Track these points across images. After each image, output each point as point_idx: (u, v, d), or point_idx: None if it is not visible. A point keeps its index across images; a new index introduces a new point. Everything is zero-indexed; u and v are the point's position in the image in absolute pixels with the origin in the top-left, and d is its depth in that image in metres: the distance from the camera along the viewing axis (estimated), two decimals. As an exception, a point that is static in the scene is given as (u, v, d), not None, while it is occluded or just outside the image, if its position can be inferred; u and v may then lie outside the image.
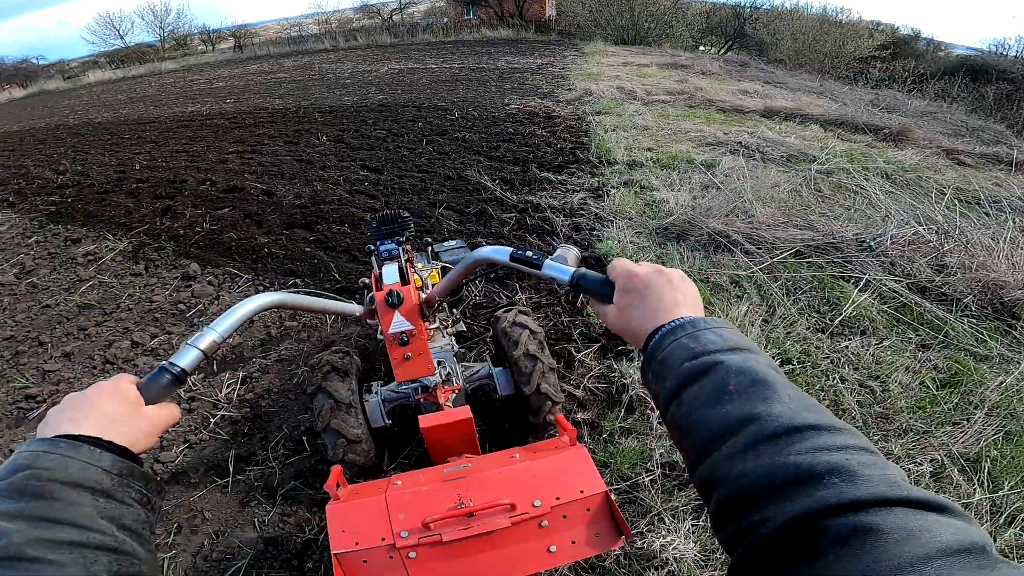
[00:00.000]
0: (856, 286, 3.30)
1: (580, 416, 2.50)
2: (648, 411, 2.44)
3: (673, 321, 0.63)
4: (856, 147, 6.45)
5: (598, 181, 5.09)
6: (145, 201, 5.95)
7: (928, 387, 2.56)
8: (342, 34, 25.36)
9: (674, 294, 0.66)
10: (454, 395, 2.07)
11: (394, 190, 5.24)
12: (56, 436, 0.59)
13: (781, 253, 3.69)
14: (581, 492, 1.25)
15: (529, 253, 0.92)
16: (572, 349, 2.92)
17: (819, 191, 4.85)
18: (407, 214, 2.32)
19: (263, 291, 3.65)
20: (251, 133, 8.44)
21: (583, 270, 0.83)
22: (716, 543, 1.83)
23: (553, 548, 1.22)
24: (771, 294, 3.27)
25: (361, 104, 9.42)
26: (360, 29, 26.46)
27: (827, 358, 2.73)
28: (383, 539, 1.18)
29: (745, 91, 9.69)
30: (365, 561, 1.19)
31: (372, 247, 2.47)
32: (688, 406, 0.55)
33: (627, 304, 0.69)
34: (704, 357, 0.56)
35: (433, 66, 13.47)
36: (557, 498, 1.23)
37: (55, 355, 3.58)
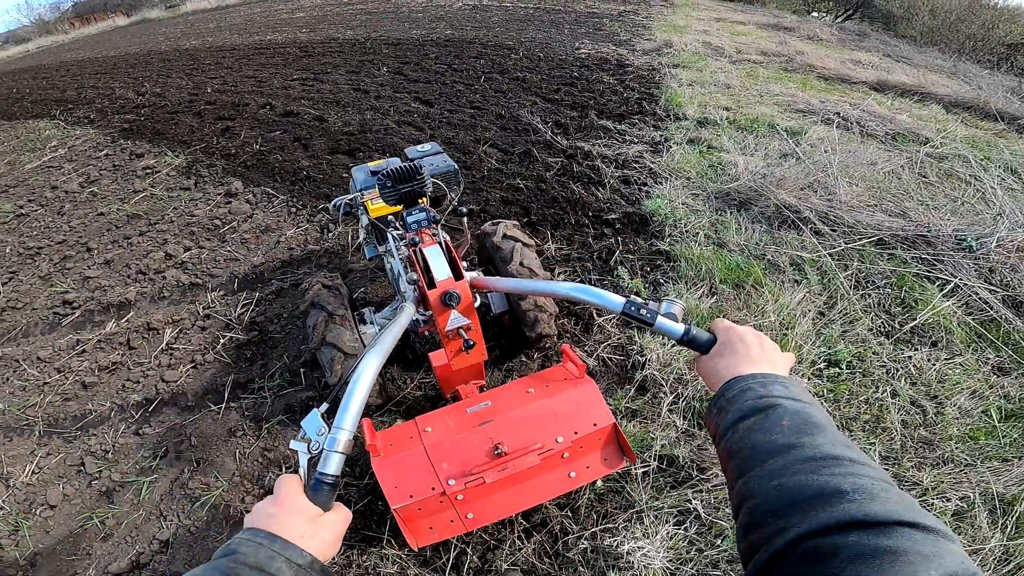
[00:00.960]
0: (941, 289, 2.75)
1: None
2: (661, 395, 2.17)
3: (752, 373, 0.71)
4: (982, 134, 5.41)
5: (661, 135, 4.58)
6: (208, 121, 6.11)
7: (990, 417, 2.10)
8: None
9: (761, 353, 0.75)
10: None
11: (441, 123, 5.00)
12: (257, 528, 0.67)
13: (859, 239, 3.14)
14: (595, 425, 1.44)
15: (643, 311, 0.94)
16: (594, 311, 2.65)
17: (923, 176, 4.08)
18: (419, 163, 1.69)
19: (303, 208, 3.68)
20: (317, 62, 8.42)
21: (692, 328, 0.90)
22: (689, 556, 1.65)
23: (572, 474, 1.46)
24: (836, 284, 2.81)
25: (427, 38, 9.11)
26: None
27: (883, 366, 2.32)
28: (433, 488, 1.34)
29: (857, 61, 8.39)
30: (420, 509, 1.37)
31: (354, 199, 2.11)
32: (742, 433, 0.62)
33: (719, 353, 0.79)
34: (767, 399, 0.65)
35: (508, 4, 12.77)
36: (575, 432, 1.43)
37: (97, 261, 3.78)
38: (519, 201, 3.58)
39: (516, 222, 2.41)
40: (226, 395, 2.49)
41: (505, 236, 2.19)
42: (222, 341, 2.84)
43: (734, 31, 10.22)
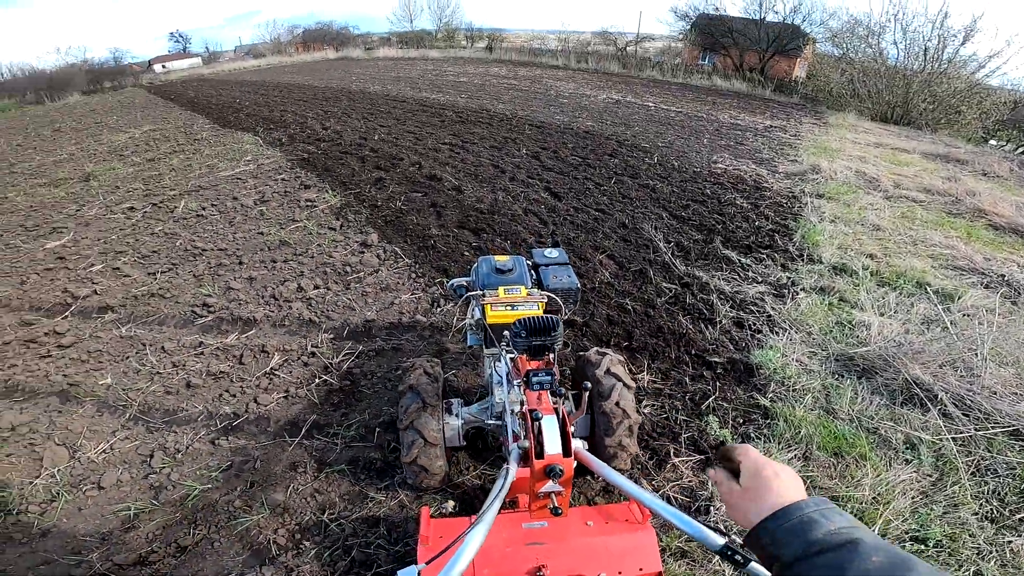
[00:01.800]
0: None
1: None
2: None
3: (805, 500, 0.73)
4: None
5: (788, 277, 4.34)
6: (368, 169, 7.00)
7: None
8: (575, 54, 26.62)
9: (793, 484, 0.78)
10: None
11: (565, 221, 5.22)
12: None
13: (993, 427, 2.75)
14: (640, 570, 1.49)
15: (738, 556, 0.95)
16: (672, 449, 2.54)
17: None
18: (556, 318, 1.69)
19: (421, 277, 4.00)
20: (468, 130, 9.34)
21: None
22: None
23: None
24: (952, 468, 2.54)
25: (568, 126, 9.72)
26: (592, 53, 27.42)
27: (975, 548, 2.15)
28: None
29: None
30: None
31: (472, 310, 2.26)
32: (823, 569, 0.62)
33: (753, 487, 0.81)
34: (842, 532, 0.65)
35: (650, 104, 13.26)
36: (619, 573, 1.48)
37: (243, 276, 4.38)
38: (624, 323, 3.56)
39: (622, 357, 2.39)
40: (302, 431, 2.67)
41: (608, 372, 2.18)
42: (316, 380, 3.08)
43: (895, 160, 9.51)
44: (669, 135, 9.50)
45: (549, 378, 1.47)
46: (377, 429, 2.65)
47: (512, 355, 1.89)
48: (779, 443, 2.64)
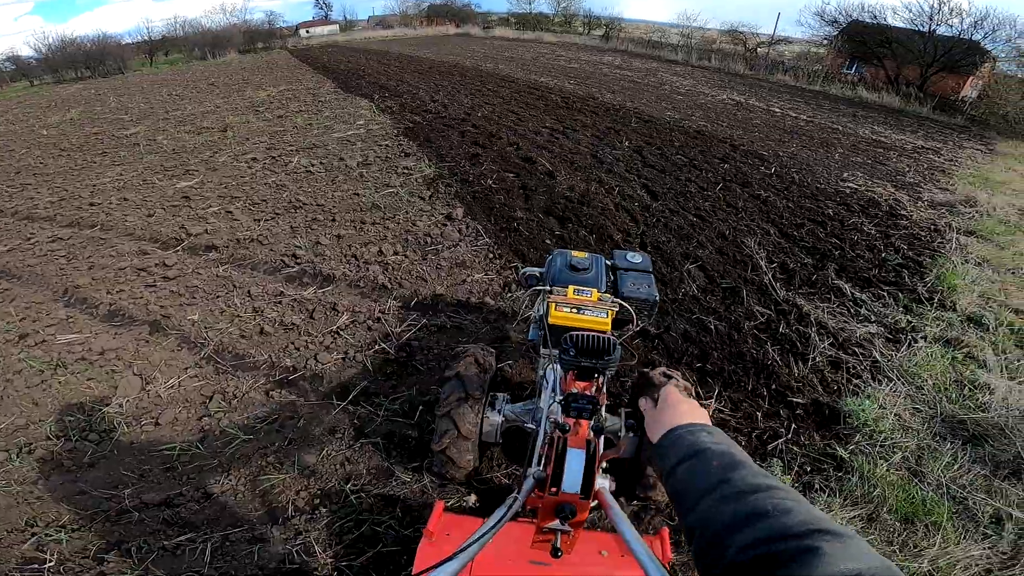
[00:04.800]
0: None
1: (678, 557, 1.98)
2: None
3: (684, 424, 0.89)
4: None
5: (908, 321, 3.71)
6: (466, 144, 7.08)
7: None
8: (697, 51, 24.88)
9: (692, 411, 0.95)
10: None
11: (658, 223, 4.90)
12: None
13: None
14: None
15: None
16: None
17: None
18: (614, 340, 1.49)
19: (497, 258, 3.97)
20: (571, 116, 9.11)
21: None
22: None
23: None
24: None
25: (679, 124, 9.11)
26: (717, 51, 25.41)
27: None
28: None
29: None
30: None
31: (533, 286, 2.09)
32: (681, 475, 0.79)
33: (660, 409, 0.97)
34: (697, 445, 0.82)
35: (776, 110, 12.02)
36: None
37: (333, 233, 4.60)
38: (702, 343, 3.25)
39: (688, 384, 2.17)
40: (349, 397, 2.72)
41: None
42: (376, 347, 3.12)
43: None
44: (794, 145, 8.57)
45: (590, 406, 1.28)
46: (420, 407, 2.64)
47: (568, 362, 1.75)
48: (844, 498, 2.31)
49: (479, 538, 0.94)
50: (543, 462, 1.29)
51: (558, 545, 1.26)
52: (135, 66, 27.23)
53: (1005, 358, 3.45)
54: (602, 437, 1.45)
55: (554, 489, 1.15)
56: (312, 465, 2.35)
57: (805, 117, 11.40)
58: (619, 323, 2.12)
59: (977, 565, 2.10)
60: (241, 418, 2.64)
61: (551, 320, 1.89)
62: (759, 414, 2.75)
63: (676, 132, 8.43)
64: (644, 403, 1.05)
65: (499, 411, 2.15)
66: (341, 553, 1.98)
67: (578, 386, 1.48)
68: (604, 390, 1.55)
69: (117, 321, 3.47)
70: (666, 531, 1.61)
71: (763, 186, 6.14)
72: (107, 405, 2.72)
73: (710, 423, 0.93)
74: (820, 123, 10.91)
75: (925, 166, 8.33)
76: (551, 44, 27.75)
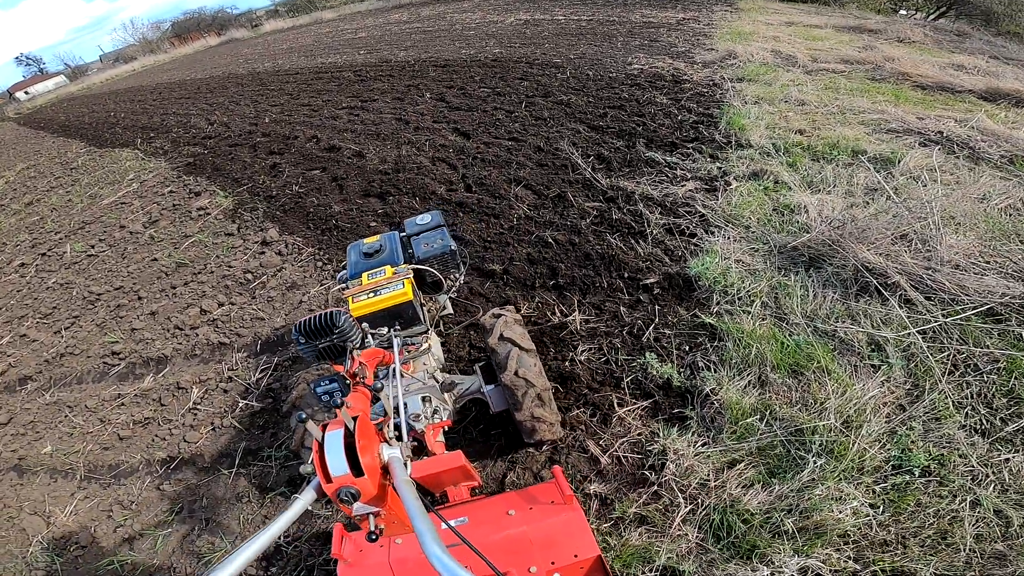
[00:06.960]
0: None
1: (593, 488, 2.04)
2: (678, 502, 1.90)
3: None
4: None
5: (718, 168, 4.07)
6: (260, 156, 6.32)
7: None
8: (480, -20, 24.60)
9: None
10: (444, 430, 1.95)
11: (475, 160, 4.80)
12: None
13: (963, 310, 2.52)
14: (575, 556, 1.37)
15: None
16: (615, 399, 2.33)
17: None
18: (337, 312, 1.52)
19: (328, 263, 3.64)
20: (367, 88, 8.55)
21: None
22: None
23: None
24: (925, 370, 2.25)
25: (475, 58, 8.99)
26: (498, -26, 25.35)
27: (969, 471, 1.86)
28: None
29: (960, 65, 7.15)
30: None
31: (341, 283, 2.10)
32: None
33: None
34: None
35: (560, 17, 12.42)
36: (552, 563, 1.36)
37: (145, 312, 3.93)
38: (547, 260, 3.28)
39: (519, 316, 2.16)
40: (237, 461, 2.62)
41: (502, 338, 1.96)
42: (239, 406, 2.91)
43: (809, 36, 9.19)
44: (581, 46, 8.89)
45: (335, 385, 1.23)
46: (304, 443, 2.46)
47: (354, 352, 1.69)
48: (729, 369, 2.36)
49: (258, 536, 0.94)
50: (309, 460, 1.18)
51: (373, 528, 1.12)
52: None
53: (805, 173, 3.90)
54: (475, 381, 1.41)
55: (330, 479, 1.05)
56: (238, 533, 2.29)
57: (586, 18, 11.88)
58: (434, 286, 2.07)
59: (884, 404, 2.13)
60: (149, 518, 2.51)
61: (354, 313, 1.83)
62: (623, 308, 2.83)
63: (474, 67, 8.30)
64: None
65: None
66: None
67: (337, 369, 1.46)
68: (397, 353, 1.57)
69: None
70: (558, 469, 1.61)
71: (563, 91, 6.30)
72: (30, 546, 2.53)
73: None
74: (600, 19, 11.46)
75: (690, 34, 9.15)
76: (331, 21, 25.77)
